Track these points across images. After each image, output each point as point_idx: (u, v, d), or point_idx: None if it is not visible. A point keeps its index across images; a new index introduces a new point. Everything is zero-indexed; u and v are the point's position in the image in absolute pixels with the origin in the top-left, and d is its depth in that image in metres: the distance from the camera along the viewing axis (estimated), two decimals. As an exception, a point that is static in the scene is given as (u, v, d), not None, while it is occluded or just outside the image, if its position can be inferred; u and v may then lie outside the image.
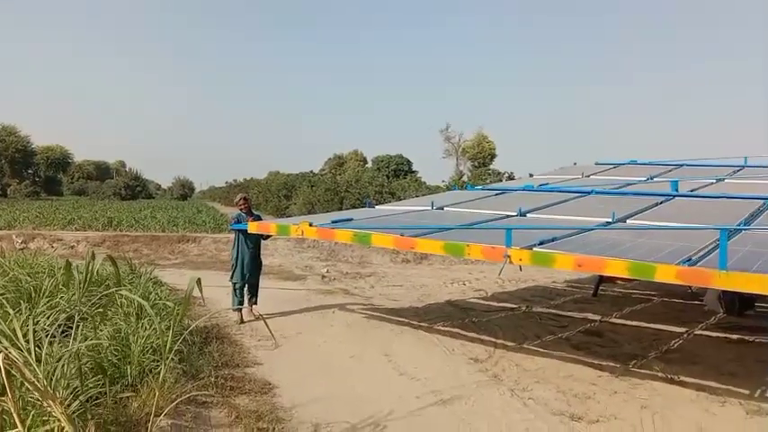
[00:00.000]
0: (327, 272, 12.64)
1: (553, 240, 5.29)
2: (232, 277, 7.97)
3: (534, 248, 4.96)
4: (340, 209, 23.51)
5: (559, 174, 12.24)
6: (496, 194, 9.72)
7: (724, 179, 9.36)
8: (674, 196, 7.96)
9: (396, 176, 47.02)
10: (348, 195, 26.19)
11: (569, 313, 8.84)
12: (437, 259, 14.62)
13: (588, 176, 10.96)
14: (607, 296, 10.37)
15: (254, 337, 6.96)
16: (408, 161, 54.52)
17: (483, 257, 5.18)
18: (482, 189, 10.81)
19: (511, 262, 4.87)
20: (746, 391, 5.38)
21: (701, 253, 4.60)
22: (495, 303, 9.57)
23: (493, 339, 7.04)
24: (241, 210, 8.13)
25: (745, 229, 5.49)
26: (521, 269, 11.04)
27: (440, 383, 5.40)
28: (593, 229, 5.81)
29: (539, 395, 5.14)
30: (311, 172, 49.22)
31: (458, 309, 8.95)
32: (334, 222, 7.54)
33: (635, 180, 9.76)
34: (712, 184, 9.04)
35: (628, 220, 6.23)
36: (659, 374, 5.76)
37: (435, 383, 5.41)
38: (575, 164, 13.30)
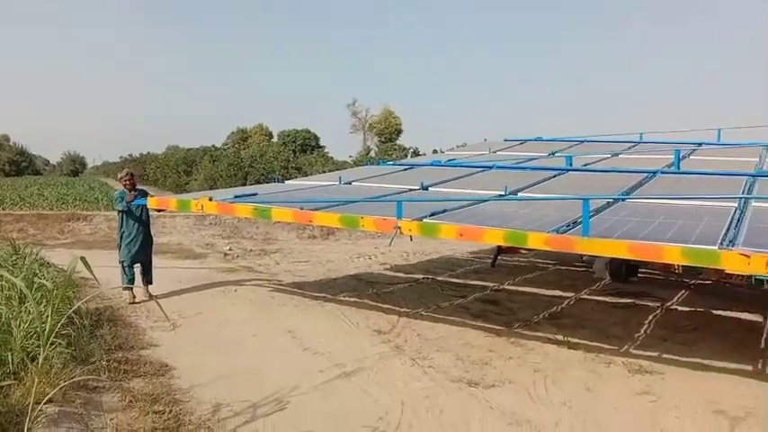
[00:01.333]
0: (230, 249, 12.32)
1: (444, 212, 5.57)
2: (120, 257, 7.58)
3: (424, 220, 5.21)
4: (244, 185, 22.92)
5: (469, 150, 12.64)
6: (404, 169, 9.89)
7: (619, 154, 9.95)
8: (568, 170, 8.37)
9: (303, 152, 46.41)
10: (252, 171, 25.61)
11: (471, 282, 9.15)
12: (344, 235, 14.64)
13: (495, 152, 11.33)
14: (506, 266, 10.80)
15: (151, 319, 6.67)
16: (316, 136, 53.81)
17: (376, 229, 5.53)
18: (393, 164, 10.95)
19: (401, 233, 5.21)
20: (630, 352, 5.79)
21: (574, 221, 4.95)
22: (401, 275, 9.74)
23: (396, 310, 7.15)
24: (125, 186, 7.66)
25: (622, 199, 5.87)
26: (411, 239, 11.40)
27: (344, 357, 5.42)
28: (486, 201, 6.04)
29: (439, 363, 5.28)
30: (213, 146, 47.62)
31: (363, 282, 9.02)
32: (236, 197, 7.38)
33: (537, 155, 10.17)
34: (608, 158, 9.58)
35: (519, 193, 6.49)
36: (551, 339, 6.08)
37: (339, 357, 5.42)
38: (485, 140, 13.73)
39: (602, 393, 4.71)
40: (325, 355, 5.51)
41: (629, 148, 10.74)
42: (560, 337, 6.09)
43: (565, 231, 4.62)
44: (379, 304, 7.50)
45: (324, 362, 5.33)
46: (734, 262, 3.88)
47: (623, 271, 9.33)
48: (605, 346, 5.96)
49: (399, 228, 5.17)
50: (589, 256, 9.13)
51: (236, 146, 54.65)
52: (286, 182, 10.22)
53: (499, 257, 10.88)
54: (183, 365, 5.12)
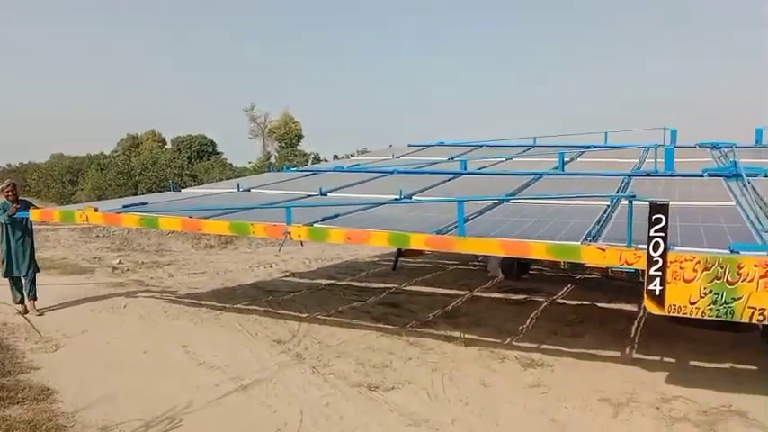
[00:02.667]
0: (119, 263, 11.67)
1: (336, 217, 5.64)
2: (5, 272, 7.25)
3: (315, 225, 5.32)
4: (135, 194, 21.83)
5: (373, 155, 12.82)
6: (307, 175, 9.86)
7: (513, 157, 10.36)
8: (462, 174, 8.65)
9: (199, 158, 44.90)
10: (143, 179, 24.45)
11: (372, 285, 9.22)
12: (243, 243, 14.29)
13: (399, 157, 11.49)
14: (408, 268, 10.97)
15: (31, 340, 6.19)
16: (213, 142, 52.21)
17: (266, 235, 5.58)
18: (296, 170, 10.87)
19: (291, 238, 5.29)
20: (522, 346, 6.04)
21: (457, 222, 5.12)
22: (302, 282, 9.63)
23: (297, 319, 7.05)
24: (7, 197, 7.20)
25: (506, 200, 6.17)
26: (302, 245, 11.39)
27: (241, 369, 5.27)
28: (380, 205, 6.14)
29: (339, 369, 5.26)
30: (102, 154, 45.05)
31: (263, 291, 8.83)
32: (125, 207, 7.06)
33: (438, 160, 10.42)
34: (502, 161, 9.97)
35: (414, 197, 6.63)
36: (449, 338, 6.22)
37: (236, 370, 5.27)
38: (390, 146, 13.93)
39: (497, 388, 4.88)
40: (221, 368, 5.34)
41: (523, 151, 11.23)
42: (457, 335, 6.26)
43: (446, 232, 4.81)
44: (280, 313, 7.37)
45: (220, 376, 5.16)
46: (592, 255, 4.23)
47: (515, 269, 9.74)
48: (499, 341, 6.19)
49: (289, 233, 5.25)
50: (484, 255, 9.48)
51: (127, 153, 51.87)
52: (183, 190, 9.91)
53: (401, 260, 11.02)
54: (67, 388, 4.79)
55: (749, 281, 3.67)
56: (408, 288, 9.17)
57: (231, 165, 35.54)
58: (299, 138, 51.69)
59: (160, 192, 14.56)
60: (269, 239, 5.57)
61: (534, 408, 4.48)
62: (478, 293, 8.75)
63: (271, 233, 5.46)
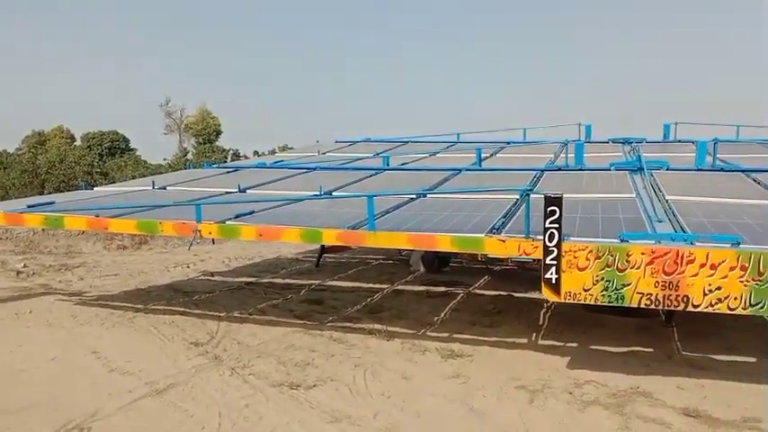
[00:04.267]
0: (24, 266, 10.96)
1: (251, 213, 5.59)
2: None
3: (227, 222, 5.29)
4: (41, 194, 20.60)
5: (299, 151, 12.73)
6: (227, 172, 9.66)
7: (436, 153, 10.52)
8: (385, 170, 8.70)
9: (111, 155, 43.00)
10: (50, 178, 23.06)
11: (294, 282, 9.11)
12: (159, 243, 13.79)
13: (325, 153, 11.41)
14: (332, 264, 10.93)
15: None
16: (125, 138, 50.14)
17: (175, 233, 5.52)
18: (217, 167, 10.60)
19: (201, 236, 5.27)
20: (443, 337, 6.14)
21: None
22: (222, 282, 9.39)
23: (216, 320, 6.87)
24: None
25: (424, 195, 6.30)
26: (213, 242, 11.16)
27: (156, 374, 5.07)
28: (299, 201, 6.11)
29: (260, 370, 5.16)
30: (5, 152, 42.24)
31: (179, 293, 8.54)
32: (30, 207, 6.69)
33: (364, 156, 10.43)
34: (425, 157, 10.11)
35: (334, 192, 6.61)
36: (372, 333, 6.24)
37: (151, 374, 5.06)
38: (317, 141, 13.85)
39: (419, 381, 4.94)
40: (134, 374, 5.11)
41: (447, 147, 11.43)
42: (380, 329, 6.29)
43: (359, 227, 4.86)
44: (197, 314, 7.15)
45: (133, 381, 4.94)
46: (493, 246, 4.49)
47: (436, 262, 9.91)
48: (420, 334, 6.27)
49: (199, 231, 5.20)
50: (407, 249, 9.60)
51: (33, 151, 48.89)
52: (95, 189, 9.46)
53: (325, 256, 10.96)
54: (-38, 404, 4.45)
55: (637, 268, 3.92)
56: (332, 284, 9.14)
57: (146, 162, 34.23)
58: (218, 134, 50.46)
59: (69, 191, 13.81)
60: (186, 239, 5.46)
61: (454, 398, 4.57)
62: (401, 287, 8.83)
63: (180, 231, 5.39)
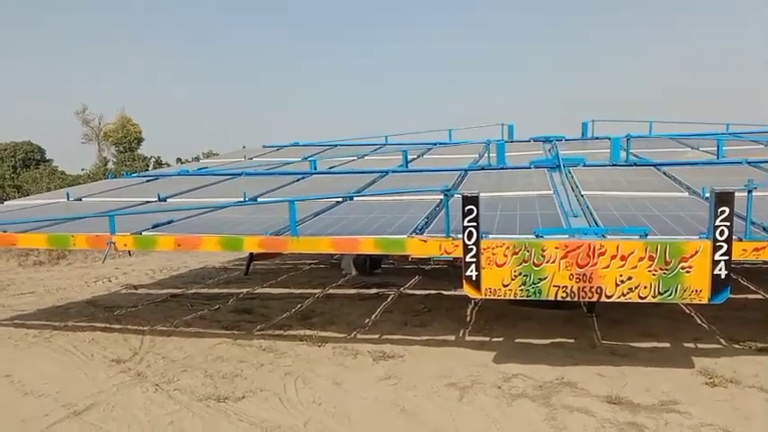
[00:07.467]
0: (-72, 288, 10.22)
1: (169, 223, 5.45)
2: None
3: (143, 233, 5.16)
4: (-54, 210, 19.26)
5: (224, 157, 12.46)
6: (148, 181, 9.32)
7: (364, 156, 10.51)
8: (312, 174, 8.64)
9: (25, 167, 40.74)
10: (-43, 193, 21.68)
11: (223, 292, 8.90)
12: (78, 258, 13.17)
13: (251, 159, 11.20)
14: (261, 271, 10.74)
15: None
16: (41, 148, 47.58)
17: (89, 246, 5.34)
18: (138, 176, 10.20)
19: (116, 248, 5.13)
20: (374, 339, 6.15)
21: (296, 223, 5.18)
22: (146, 295, 9.06)
23: (139, 335, 6.61)
24: None
25: (350, 197, 6.30)
26: (130, 254, 10.79)
27: (74, 395, 4.82)
28: (222, 208, 5.98)
29: (185, 384, 5.00)
30: None
31: (100, 308, 8.17)
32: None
33: (292, 160, 10.30)
34: (354, 160, 10.08)
35: (259, 198, 6.50)
36: (302, 339, 6.17)
37: (68, 396, 4.81)
38: (243, 147, 13.57)
39: (350, 385, 4.91)
40: (51, 396, 4.85)
41: (375, 150, 11.47)
42: (311, 336, 6.23)
43: (283, 233, 4.81)
44: (119, 330, 6.86)
45: (50, 404, 4.68)
46: (415, 247, 4.59)
47: (367, 265, 9.93)
48: (352, 337, 6.25)
49: (113, 243, 5.07)
50: (339, 253, 9.56)
51: (-64, 164, 45.73)
52: (6, 203, 8.94)
53: (254, 263, 10.76)
54: None
55: (552, 262, 4.06)
56: (261, 291, 8.99)
57: (63, 173, 32.66)
58: (139, 141, 48.62)
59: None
60: (109, 252, 5.25)
61: (385, 400, 4.57)
62: (332, 291, 8.79)
63: (94, 244, 5.21)
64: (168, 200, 7.05)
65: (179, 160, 32.36)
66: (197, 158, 26.77)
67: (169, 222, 5.47)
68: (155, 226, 5.31)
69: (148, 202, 7.06)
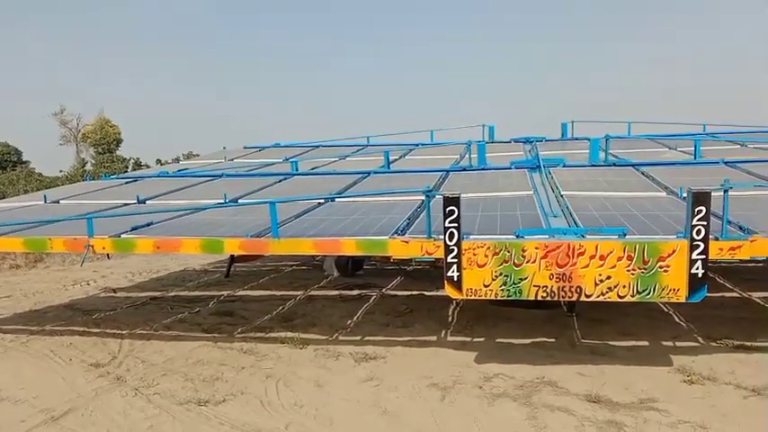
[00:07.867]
0: None
1: (148, 225, 5.40)
2: None
3: (122, 236, 5.09)
4: None
5: (205, 159, 12.36)
6: (127, 183, 9.20)
7: (346, 157, 10.49)
8: (294, 175, 8.60)
9: (2, 169, 40.14)
10: (-69, 196, 21.25)
11: (203, 294, 8.83)
12: (55, 261, 12.98)
13: (233, 160, 11.12)
14: (242, 273, 10.67)
15: None
16: (17, 150, 46.91)
17: (66, 250, 5.33)
18: (116, 178, 10.07)
19: (94, 252, 5.09)
20: (356, 341, 6.14)
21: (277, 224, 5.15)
22: (125, 298, 8.95)
23: (118, 339, 6.53)
24: None
25: (332, 199, 6.29)
26: (109, 257, 10.65)
27: (52, 400, 4.75)
28: (202, 210, 5.93)
29: (165, 388, 4.95)
30: None
31: (79, 312, 8.06)
32: None
33: (274, 161, 10.25)
34: (335, 161, 10.05)
35: (240, 200, 6.46)
36: (284, 342, 6.14)
37: (46, 402, 4.74)
38: (224, 148, 13.46)
39: (332, 387, 4.90)
40: (28, 401, 4.77)
41: (357, 151, 11.45)
42: (293, 338, 6.20)
43: (263, 235, 4.79)
44: (98, 334, 6.77)
45: (27, 410, 4.61)
46: (397, 248, 4.60)
47: (350, 266, 9.90)
48: (334, 339, 6.24)
49: (91, 246, 5.02)
50: (321, 255, 9.53)
51: None
52: None
53: (235, 265, 10.69)
54: None
55: (532, 262, 4.10)
56: (242, 294, 8.93)
57: (41, 174, 32.20)
58: (118, 143, 48.12)
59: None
60: (88, 255, 5.19)
61: (367, 401, 4.56)
62: (314, 293, 8.76)
63: (71, 247, 5.17)
64: (147, 202, 6.98)
65: (159, 162, 32.07)
66: (177, 160, 26.53)
67: (148, 225, 5.41)
68: (134, 228, 5.25)
69: (127, 204, 6.98)
